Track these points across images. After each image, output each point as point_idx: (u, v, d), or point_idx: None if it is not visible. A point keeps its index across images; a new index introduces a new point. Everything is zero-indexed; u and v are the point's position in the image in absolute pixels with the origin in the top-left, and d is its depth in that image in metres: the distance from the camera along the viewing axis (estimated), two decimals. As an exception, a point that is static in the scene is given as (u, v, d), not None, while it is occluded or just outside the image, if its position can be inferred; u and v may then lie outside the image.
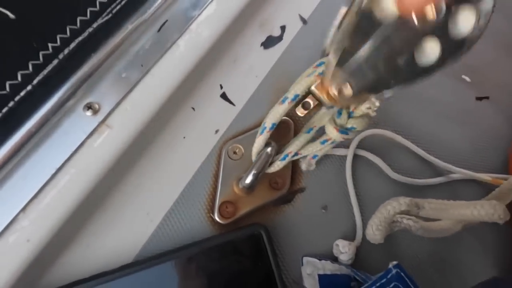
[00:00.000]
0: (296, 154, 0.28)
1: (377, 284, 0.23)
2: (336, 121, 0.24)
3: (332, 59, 0.19)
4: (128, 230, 0.28)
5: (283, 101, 0.24)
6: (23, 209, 0.23)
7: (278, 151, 0.29)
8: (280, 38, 0.37)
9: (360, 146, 0.34)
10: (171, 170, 0.31)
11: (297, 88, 0.23)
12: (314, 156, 0.30)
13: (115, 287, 0.25)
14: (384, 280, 0.23)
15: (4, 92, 0.21)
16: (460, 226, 0.29)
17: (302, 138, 0.28)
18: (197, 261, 0.28)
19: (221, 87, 0.34)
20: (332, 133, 0.25)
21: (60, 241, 0.25)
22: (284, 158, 0.28)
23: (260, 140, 0.27)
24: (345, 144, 0.34)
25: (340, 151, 0.34)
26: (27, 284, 0.23)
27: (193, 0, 0.30)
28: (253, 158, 0.28)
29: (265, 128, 0.26)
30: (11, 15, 0.20)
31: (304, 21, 0.38)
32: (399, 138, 0.35)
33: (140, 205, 0.29)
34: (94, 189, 0.25)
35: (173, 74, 0.29)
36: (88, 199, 0.25)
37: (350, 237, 0.32)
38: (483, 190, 0.35)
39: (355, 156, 0.34)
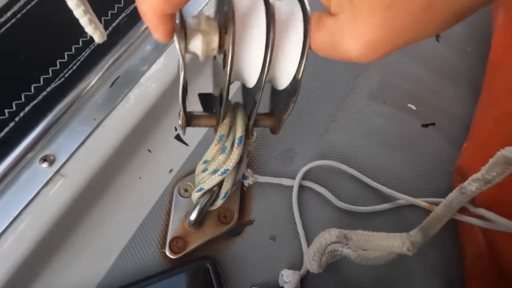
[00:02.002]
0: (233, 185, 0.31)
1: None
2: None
3: None
4: (86, 268, 0.31)
5: (214, 173, 0.27)
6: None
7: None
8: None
9: (306, 177, 0.37)
10: (127, 209, 0.33)
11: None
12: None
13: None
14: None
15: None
16: (394, 255, 0.30)
17: (230, 177, 0.30)
18: (148, 295, 0.30)
19: (175, 129, 0.37)
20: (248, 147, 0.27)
21: (21, 281, 0.28)
22: (225, 196, 0.31)
23: (197, 195, 0.29)
24: (292, 176, 0.37)
25: (287, 182, 0.36)
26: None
27: (144, 56, 0.34)
28: (194, 201, 0.31)
29: (202, 189, 0.28)
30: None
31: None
32: (344, 167, 0.37)
33: (97, 244, 0.32)
34: (50, 232, 0.28)
35: (124, 124, 0.32)
36: (45, 241, 0.28)
37: (297, 266, 0.34)
38: (426, 215, 0.36)
39: (302, 187, 0.36)
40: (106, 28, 0.31)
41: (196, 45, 0.19)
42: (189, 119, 0.24)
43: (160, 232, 0.33)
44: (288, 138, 0.39)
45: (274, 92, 0.25)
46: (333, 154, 0.39)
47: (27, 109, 0.27)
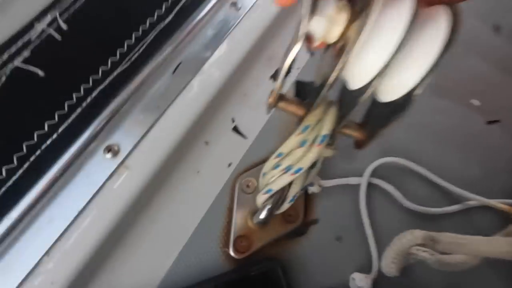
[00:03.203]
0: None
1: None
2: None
3: None
4: (145, 267, 0.29)
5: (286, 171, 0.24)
6: (47, 252, 0.24)
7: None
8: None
9: (373, 174, 0.35)
10: (186, 205, 0.31)
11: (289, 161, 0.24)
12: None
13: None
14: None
15: (32, 142, 0.23)
16: (478, 260, 0.28)
17: (300, 179, 0.28)
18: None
19: (233, 121, 0.35)
20: (326, 152, 0.25)
21: (83, 280, 0.26)
22: (292, 200, 0.28)
23: (264, 197, 0.27)
24: (358, 173, 0.35)
25: (354, 180, 0.34)
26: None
27: (206, 41, 0.32)
28: (258, 206, 0.28)
29: (270, 190, 0.26)
30: (41, 73, 0.22)
31: (311, 52, 0.39)
32: (412, 165, 0.35)
33: (156, 241, 0.30)
34: (114, 228, 0.26)
35: (187, 114, 0.30)
36: (108, 239, 0.26)
37: (366, 268, 0.32)
38: (500, 218, 0.34)
39: (369, 185, 0.34)
40: (168, 13, 0.29)
41: (317, 26, 0.17)
42: (279, 100, 0.22)
43: (222, 230, 0.31)
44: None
45: (375, 102, 0.22)
46: (395, 151, 0.37)
47: (94, 94, 0.25)
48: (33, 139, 0.23)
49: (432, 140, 0.38)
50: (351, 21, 0.17)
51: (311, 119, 0.23)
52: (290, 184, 0.26)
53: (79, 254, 0.25)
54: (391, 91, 0.19)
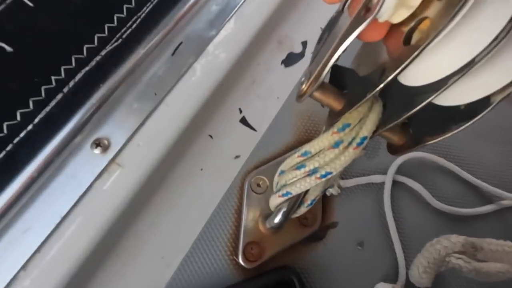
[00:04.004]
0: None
1: None
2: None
3: None
4: (142, 278, 0.25)
5: (311, 174, 0.20)
6: (24, 266, 0.20)
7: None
8: (301, 54, 0.34)
9: (398, 172, 0.31)
10: (189, 208, 0.27)
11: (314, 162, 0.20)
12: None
13: None
14: None
15: (1, 134, 0.19)
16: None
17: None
18: (222, 313, 0.24)
19: (240, 111, 0.31)
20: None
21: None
22: (311, 204, 0.24)
23: (280, 200, 0.23)
24: (381, 170, 0.31)
25: (377, 178, 0.30)
26: None
27: (210, 18, 0.27)
28: (272, 209, 0.25)
29: (289, 194, 0.22)
30: (8, 48, 0.18)
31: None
32: (441, 161, 0.31)
33: (154, 249, 0.26)
34: (104, 237, 0.22)
35: (189, 102, 0.26)
36: (97, 248, 0.22)
37: (391, 277, 0.28)
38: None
39: (394, 183, 0.30)
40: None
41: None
42: (315, 88, 0.17)
43: (230, 236, 0.27)
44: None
45: (429, 105, 0.18)
46: (425, 146, 0.33)
47: (78, 77, 0.21)
48: (2, 131, 0.19)
49: (463, 133, 0.34)
50: None
51: (353, 117, 0.19)
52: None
53: (62, 267, 0.21)
54: (460, 94, 0.14)
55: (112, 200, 0.22)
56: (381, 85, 0.15)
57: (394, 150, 0.20)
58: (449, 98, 0.15)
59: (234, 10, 0.28)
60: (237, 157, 0.30)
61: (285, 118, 0.31)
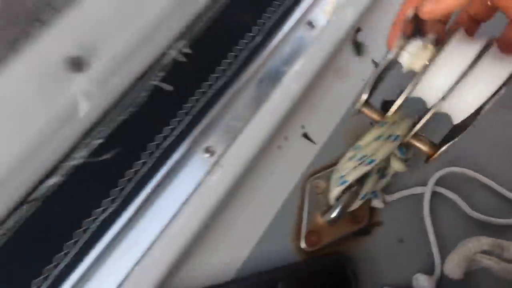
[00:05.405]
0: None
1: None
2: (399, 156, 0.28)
3: None
4: (229, 253, 0.34)
5: (361, 162, 0.28)
6: (158, 236, 0.30)
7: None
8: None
9: (437, 184, 0.36)
10: (263, 202, 0.36)
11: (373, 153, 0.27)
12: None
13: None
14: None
15: (156, 142, 0.29)
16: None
17: (373, 178, 0.31)
18: (287, 283, 0.32)
19: (303, 127, 0.39)
20: (399, 166, 0.29)
21: (180, 261, 0.31)
22: (363, 197, 0.31)
23: (339, 189, 0.30)
24: (422, 183, 0.36)
25: (417, 190, 0.36)
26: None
27: (284, 57, 0.36)
28: (331, 202, 0.32)
29: (346, 182, 0.29)
30: (168, 87, 0.28)
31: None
32: (478, 176, 0.36)
33: (238, 232, 0.35)
34: (207, 219, 0.32)
35: (267, 123, 0.34)
36: (202, 226, 0.32)
37: (428, 270, 0.34)
38: None
39: (433, 194, 0.36)
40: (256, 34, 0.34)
41: (403, 58, 0.23)
42: (364, 106, 0.27)
43: (293, 225, 0.35)
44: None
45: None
46: (462, 161, 0.38)
47: (199, 106, 0.31)
48: (154, 141, 0.29)
49: (498, 151, 0.38)
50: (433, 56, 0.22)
51: (389, 117, 0.27)
52: (362, 183, 0.30)
53: (180, 241, 0.30)
54: (460, 111, 0.23)
55: (215, 193, 0.32)
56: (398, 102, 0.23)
57: (427, 159, 0.27)
58: (457, 115, 0.24)
59: (303, 50, 0.37)
60: (300, 166, 0.37)
61: (339, 134, 0.39)
